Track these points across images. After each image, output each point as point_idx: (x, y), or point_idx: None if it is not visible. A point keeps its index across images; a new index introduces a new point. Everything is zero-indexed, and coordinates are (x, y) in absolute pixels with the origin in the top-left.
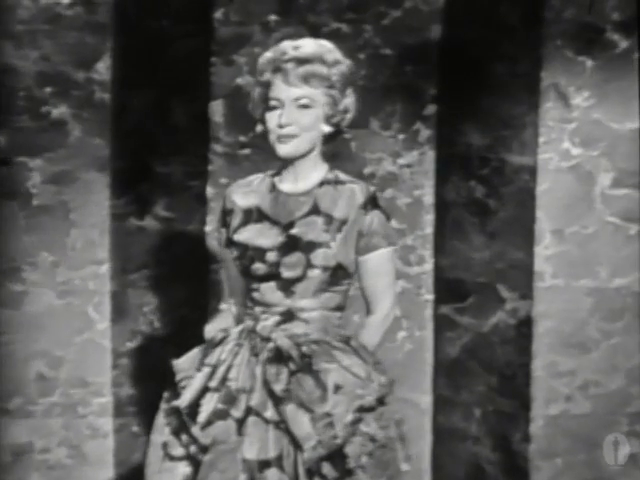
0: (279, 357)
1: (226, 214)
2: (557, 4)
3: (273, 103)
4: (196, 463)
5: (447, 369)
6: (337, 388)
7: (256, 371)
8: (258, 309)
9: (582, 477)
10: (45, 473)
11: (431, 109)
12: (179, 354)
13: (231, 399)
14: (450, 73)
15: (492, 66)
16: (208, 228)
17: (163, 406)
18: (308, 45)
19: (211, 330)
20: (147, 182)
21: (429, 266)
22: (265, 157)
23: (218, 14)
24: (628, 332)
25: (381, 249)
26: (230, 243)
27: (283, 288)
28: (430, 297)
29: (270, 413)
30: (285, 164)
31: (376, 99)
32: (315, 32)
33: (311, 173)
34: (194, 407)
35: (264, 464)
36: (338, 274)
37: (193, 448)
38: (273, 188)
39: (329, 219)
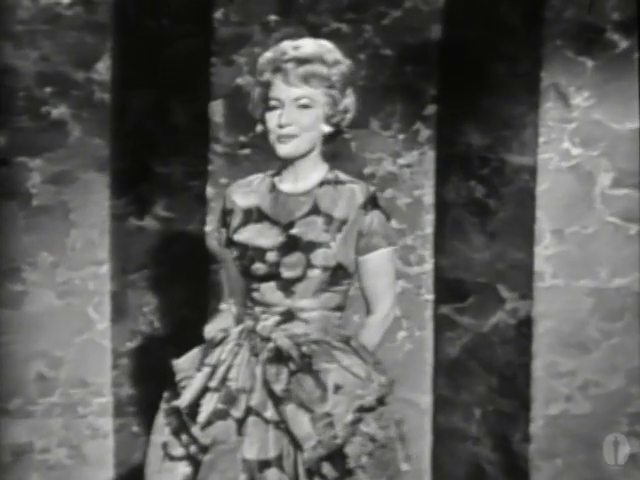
0: (279, 357)
1: (226, 214)
2: (557, 4)
3: (273, 103)
4: (196, 463)
5: (447, 369)
6: (337, 388)
7: (256, 371)
8: (258, 309)
9: (582, 477)
10: (45, 473)
11: (431, 109)
12: (179, 354)
13: (231, 399)
14: (450, 73)
15: (492, 66)
16: (208, 228)
17: (163, 406)
18: (308, 45)
19: (211, 330)
20: (147, 182)
21: (429, 266)
22: (265, 157)
23: (218, 14)
24: (628, 332)
25: (381, 249)
26: (230, 243)
27: (283, 288)
28: (430, 297)
29: (270, 413)
30: (285, 164)
31: (376, 99)
32: (315, 32)
33: (311, 173)
34: (194, 407)
35: (264, 464)
36: (338, 274)
37: (193, 448)
38: (273, 188)
39: (329, 219)
